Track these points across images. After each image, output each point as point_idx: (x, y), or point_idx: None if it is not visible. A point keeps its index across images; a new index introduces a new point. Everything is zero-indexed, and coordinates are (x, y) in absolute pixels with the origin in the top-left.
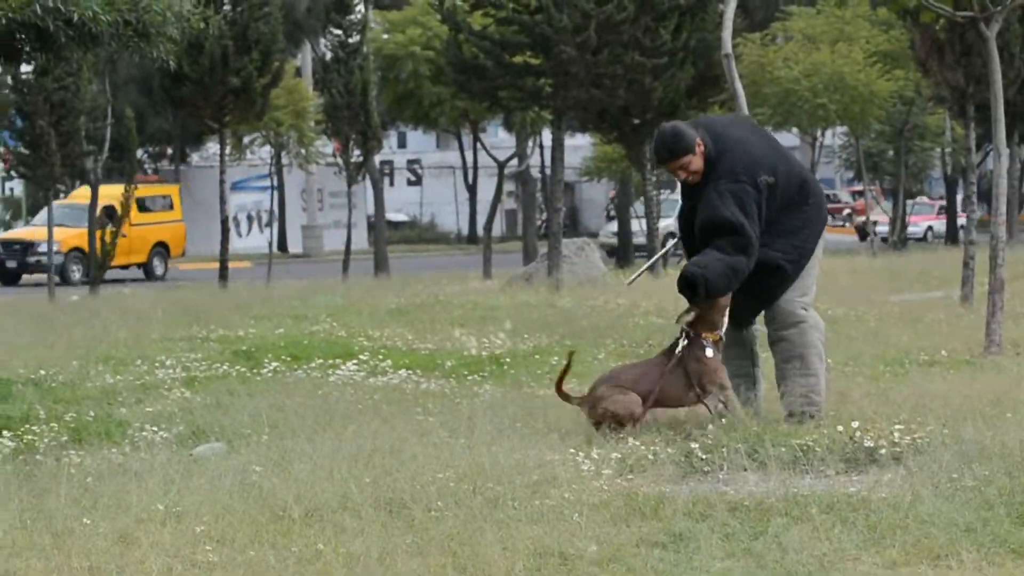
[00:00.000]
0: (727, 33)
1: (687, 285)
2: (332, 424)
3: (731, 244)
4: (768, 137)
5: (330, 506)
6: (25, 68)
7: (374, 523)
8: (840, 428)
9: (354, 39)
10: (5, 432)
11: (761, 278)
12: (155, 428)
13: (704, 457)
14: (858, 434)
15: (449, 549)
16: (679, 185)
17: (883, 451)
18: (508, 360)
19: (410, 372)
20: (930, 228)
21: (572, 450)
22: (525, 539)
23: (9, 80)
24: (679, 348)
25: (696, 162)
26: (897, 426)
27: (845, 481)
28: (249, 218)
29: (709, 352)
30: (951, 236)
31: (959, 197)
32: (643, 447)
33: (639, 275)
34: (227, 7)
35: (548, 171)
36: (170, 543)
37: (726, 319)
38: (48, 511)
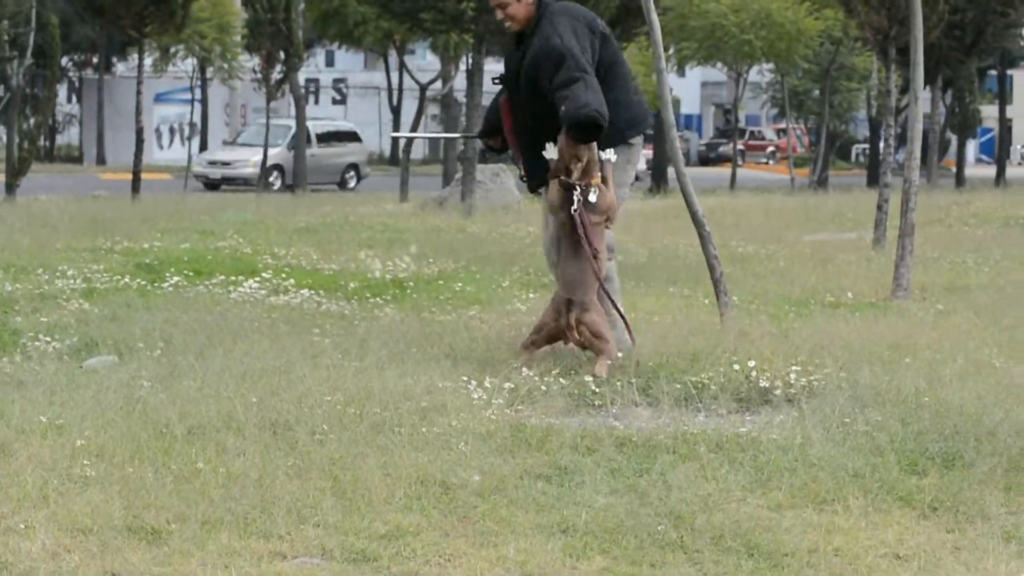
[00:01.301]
0: None
1: (588, 127)
2: (224, 342)
3: (569, 71)
4: None
5: (214, 425)
6: None
7: (256, 444)
8: (736, 367)
9: None
10: None
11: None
12: (48, 338)
13: (597, 391)
14: (754, 374)
15: (330, 473)
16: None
17: (778, 392)
18: (411, 284)
19: (312, 292)
20: None
21: (464, 378)
22: (408, 466)
23: None
24: (576, 207)
25: (516, 8)
26: (794, 367)
27: (736, 421)
28: (171, 130)
29: (593, 197)
30: (872, 179)
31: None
32: (536, 378)
33: (412, 137)
34: None
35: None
36: (49, 456)
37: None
38: None
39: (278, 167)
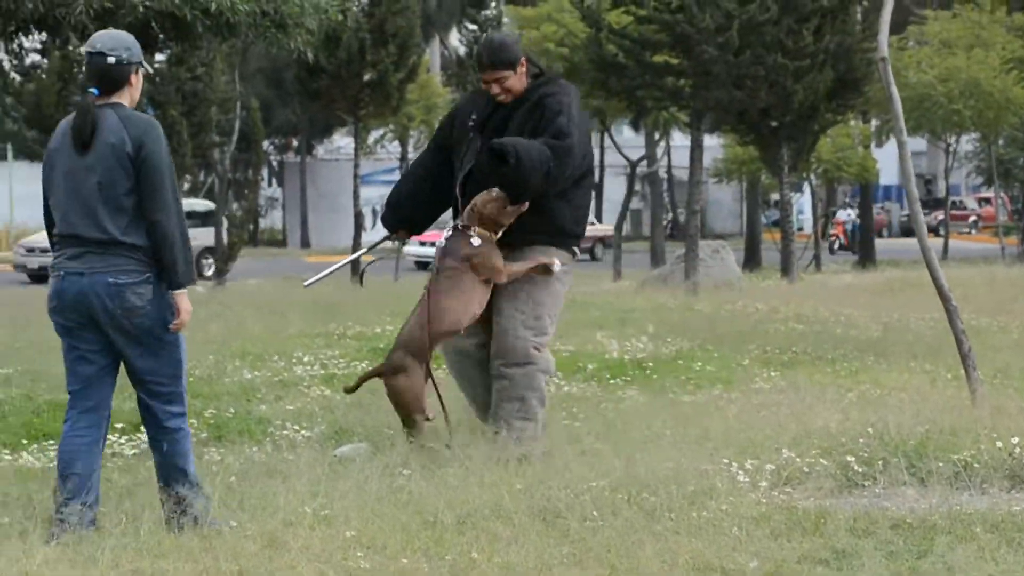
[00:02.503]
0: (883, 36)
1: (498, 155)
2: (480, 426)
3: (552, 147)
4: None
5: (483, 513)
6: (159, 57)
7: (529, 532)
8: (999, 444)
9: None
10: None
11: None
12: (296, 426)
13: (860, 471)
14: (1018, 450)
15: (607, 561)
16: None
17: None
18: (651, 364)
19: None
20: None
21: (726, 460)
22: (684, 553)
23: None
24: (443, 241)
25: (515, 81)
26: None
27: (1008, 499)
28: (374, 212)
29: (476, 241)
30: None
31: None
32: (798, 459)
33: (321, 278)
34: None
35: (675, 172)
36: (320, 548)
37: (506, 223)
38: (195, 511)
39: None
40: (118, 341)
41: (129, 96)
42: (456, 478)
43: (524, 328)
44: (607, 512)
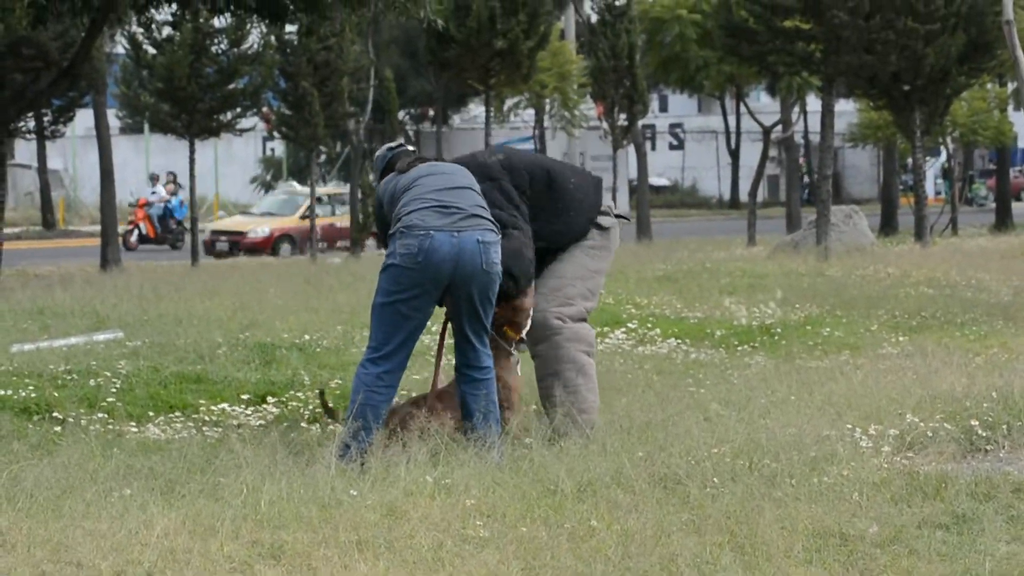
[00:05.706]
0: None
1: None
2: (604, 395)
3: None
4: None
5: (603, 481)
6: (289, 28)
7: (649, 499)
8: None
9: (621, 2)
10: (269, 398)
11: None
12: None
13: (984, 435)
14: None
15: (726, 527)
16: None
17: None
18: (779, 330)
19: (679, 341)
20: None
21: (849, 426)
22: (804, 518)
23: (273, 40)
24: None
25: None
26: None
27: None
28: None
29: (511, 365)
30: None
31: None
32: (922, 423)
33: None
34: None
35: (811, 137)
36: (439, 517)
37: (529, 320)
38: (315, 482)
39: None
40: (475, 293)
41: None
42: (577, 446)
43: (544, 301)
44: (727, 478)
